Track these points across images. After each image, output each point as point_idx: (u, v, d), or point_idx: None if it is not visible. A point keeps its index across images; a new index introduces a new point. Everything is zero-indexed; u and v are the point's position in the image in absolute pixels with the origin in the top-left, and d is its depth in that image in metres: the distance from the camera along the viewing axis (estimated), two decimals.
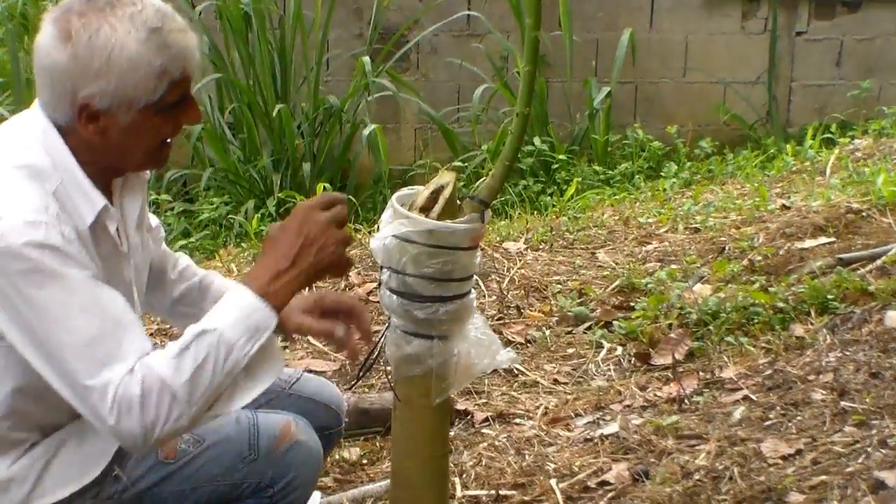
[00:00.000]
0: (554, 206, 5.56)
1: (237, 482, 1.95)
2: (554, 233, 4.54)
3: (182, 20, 1.84)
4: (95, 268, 1.79)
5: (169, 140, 1.90)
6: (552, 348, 3.50)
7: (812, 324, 3.21)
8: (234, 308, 1.78)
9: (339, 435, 2.29)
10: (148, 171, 2.03)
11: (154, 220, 2.19)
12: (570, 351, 3.47)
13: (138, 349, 1.75)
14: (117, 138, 1.82)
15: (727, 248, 4.04)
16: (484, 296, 3.84)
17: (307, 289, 1.91)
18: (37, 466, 1.89)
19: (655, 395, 3.04)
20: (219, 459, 1.95)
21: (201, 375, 1.74)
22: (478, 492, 2.63)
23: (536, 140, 6.34)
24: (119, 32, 1.76)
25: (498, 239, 4.45)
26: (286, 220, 1.85)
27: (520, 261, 4.17)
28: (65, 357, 1.73)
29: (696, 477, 2.48)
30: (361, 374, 2.19)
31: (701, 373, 3.11)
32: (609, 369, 3.32)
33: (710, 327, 3.33)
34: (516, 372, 3.33)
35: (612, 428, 2.85)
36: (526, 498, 2.58)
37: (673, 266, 3.94)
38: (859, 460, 2.37)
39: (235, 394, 1.80)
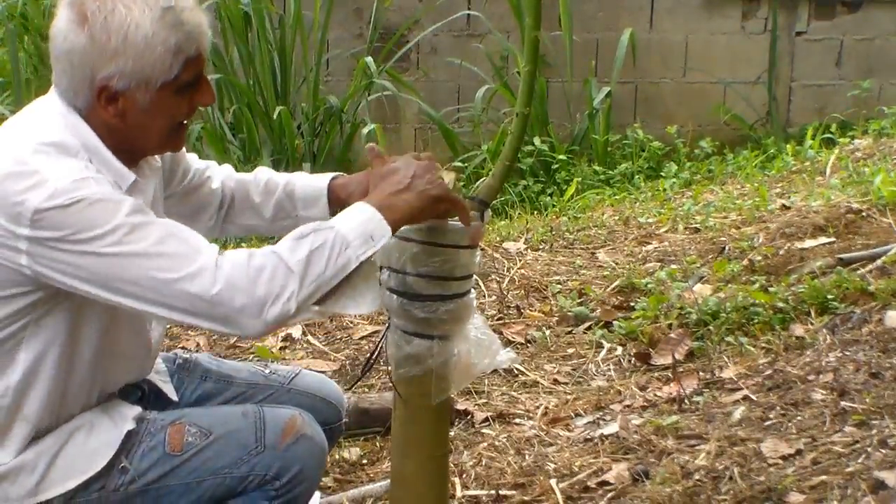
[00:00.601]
0: (554, 206, 5.56)
1: (243, 475, 1.95)
2: (554, 233, 4.54)
3: None
4: None
5: (185, 122, 1.92)
6: (552, 348, 3.50)
7: (812, 324, 3.21)
8: (353, 214, 1.83)
9: (339, 430, 2.30)
10: (158, 159, 2.04)
11: (198, 165, 2.19)
12: (570, 351, 3.47)
13: (211, 243, 1.78)
14: (136, 119, 1.84)
15: (727, 248, 4.04)
16: (484, 296, 3.84)
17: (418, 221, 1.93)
18: (46, 456, 1.91)
19: (655, 395, 3.04)
20: (225, 452, 1.95)
21: (316, 260, 1.77)
22: (478, 492, 2.63)
23: (536, 140, 6.34)
24: (134, 12, 1.78)
25: (498, 239, 4.46)
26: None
27: (520, 261, 4.17)
28: (146, 272, 1.73)
29: (696, 477, 2.48)
30: (362, 373, 2.19)
31: (701, 373, 3.11)
32: (609, 369, 3.31)
33: (710, 327, 3.33)
34: (516, 372, 3.33)
35: (612, 428, 2.85)
36: (526, 498, 2.58)
37: (673, 266, 3.94)
38: (859, 460, 2.37)
39: (339, 299, 1.83)
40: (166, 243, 1.74)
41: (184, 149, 2.11)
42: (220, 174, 2.23)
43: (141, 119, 1.84)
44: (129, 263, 1.74)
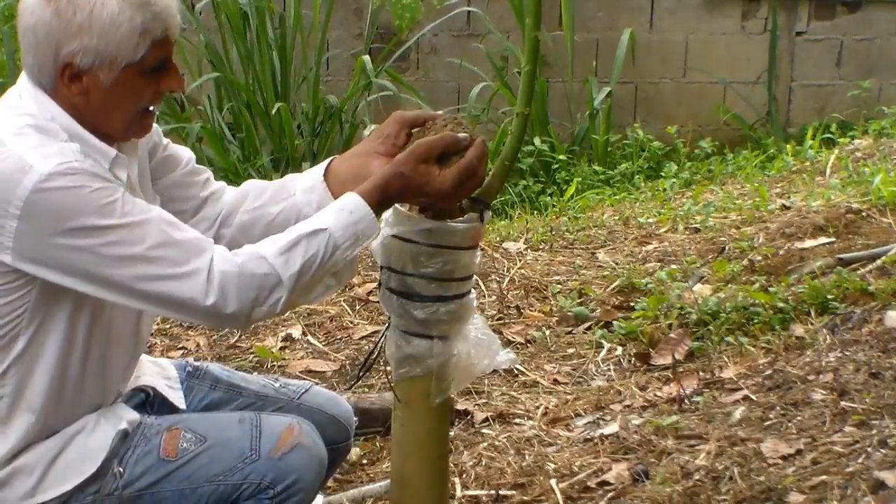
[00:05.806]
0: (554, 206, 5.55)
1: (237, 482, 1.94)
2: (554, 233, 4.54)
3: None
4: None
5: (151, 108, 1.90)
6: (552, 348, 3.50)
7: (812, 324, 3.21)
8: (346, 213, 1.85)
9: (346, 450, 2.29)
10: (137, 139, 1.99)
11: (185, 154, 2.13)
12: (570, 351, 3.47)
13: (207, 239, 1.83)
14: (99, 99, 1.83)
15: (727, 248, 4.04)
16: (484, 296, 3.84)
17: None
18: (45, 460, 1.91)
19: (655, 395, 3.04)
20: (219, 459, 1.95)
21: (308, 269, 1.82)
22: (478, 492, 2.63)
23: (536, 140, 6.34)
24: None
25: (498, 239, 4.45)
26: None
27: (520, 261, 4.17)
28: (141, 274, 1.77)
29: (696, 477, 2.48)
30: (361, 373, 2.19)
31: (701, 373, 3.11)
32: (609, 369, 3.31)
33: (710, 327, 3.33)
34: (516, 372, 3.33)
35: (612, 428, 2.85)
36: (526, 498, 2.58)
37: (673, 266, 3.94)
38: (859, 460, 2.37)
39: (319, 287, 1.90)
40: (163, 247, 1.77)
41: (168, 141, 2.09)
42: (223, 187, 2.17)
43: (104, 100, 1.83)
44: (123, 265, 1.76)
